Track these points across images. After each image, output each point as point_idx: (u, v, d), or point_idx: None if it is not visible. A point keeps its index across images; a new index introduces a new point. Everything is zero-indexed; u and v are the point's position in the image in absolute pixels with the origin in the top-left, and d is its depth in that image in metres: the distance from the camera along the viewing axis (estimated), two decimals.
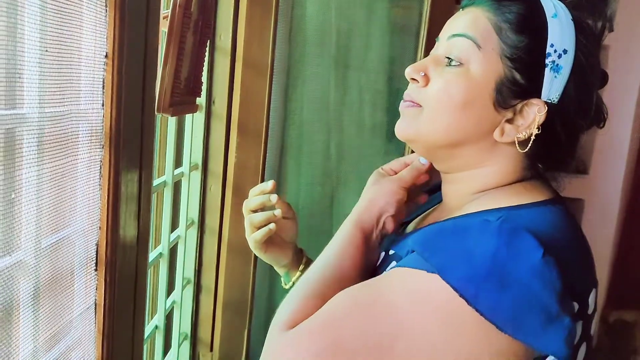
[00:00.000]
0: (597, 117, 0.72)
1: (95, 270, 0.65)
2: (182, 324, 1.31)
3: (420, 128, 0.69)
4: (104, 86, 0.62)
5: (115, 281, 0.67)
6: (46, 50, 0.51)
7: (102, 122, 0.63)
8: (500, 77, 0.65)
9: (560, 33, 0.64)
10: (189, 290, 1.32)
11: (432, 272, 0.57)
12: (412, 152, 0.78)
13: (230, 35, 1.26)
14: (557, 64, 0.64)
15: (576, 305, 0.60)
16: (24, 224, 0.54)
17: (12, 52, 0.48)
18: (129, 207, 0.70)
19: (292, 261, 0.91)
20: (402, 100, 0.72)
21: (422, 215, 0.83)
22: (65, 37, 0.55)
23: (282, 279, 0.94)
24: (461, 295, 0.55)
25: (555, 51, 0.64)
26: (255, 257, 1.40)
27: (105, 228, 0.65)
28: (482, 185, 0.70)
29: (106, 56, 0.61)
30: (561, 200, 0.71)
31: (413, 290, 0.58)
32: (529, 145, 0.66)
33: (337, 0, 1.40)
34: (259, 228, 0.85)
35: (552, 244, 0.57)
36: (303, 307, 0.63)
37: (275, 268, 0.94)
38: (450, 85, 0.66)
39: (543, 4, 0.66)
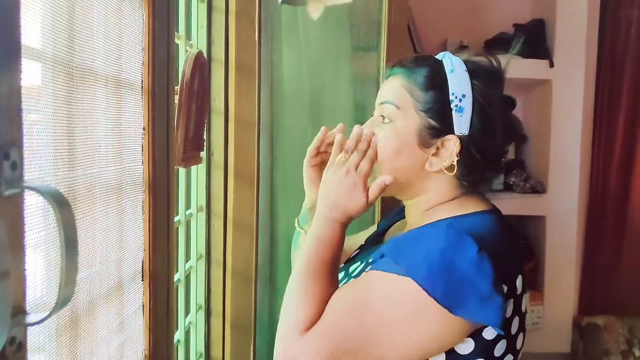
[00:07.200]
0: (510, 135, 0.89)
1: (142, 280, 0.90)
2: (197, 344, 1.54)
3: (375, 177, 0.88)
4: (142, 149, 0.89)
5: (156, 288, 0.92)
6: (112, 129, 0.78)
7: (142, 175, 0.89)
8: (419, 125, 0.85)
9: (458, 83, 0.83)
10: (201, 314, 1.55)
11: (403, 275, 0.73)
12: None
13: (223, 98, 1.54)
14: (460, 106, 0.83)
15: (505, 287, 0.77)
16: (98, 246, 0.79)
17: (91, 131, 0.75)
18: (162, 235, 0.96)
19: None
20: None
21: (393, 228, 1.04)
22: (120, 119, 0.83)
23: (298, 219, 1.09)
24: (424, 289, 0.72)
25: (456, 97, 0.83)
26: (256, 283, 1.64)
27: (148, 250, 0.90)
28: (430, 204, 0.90)
29: (144, 129, 0.88)
30: (496, 210, 0.90)
31: (390, 292, 0.75)
32: (455, 169, 0.84)
33: (308, 62, 1.69)
34: None
35: (485, 242, 0.74)
36: (312, 311, 0.79)
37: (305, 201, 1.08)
38: (384, 140, 0.86)
39: (443, 63, 0.86)
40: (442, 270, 0.72)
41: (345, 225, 0.86)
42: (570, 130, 2.61)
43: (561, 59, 2.55)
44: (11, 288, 0.41)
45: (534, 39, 2.60)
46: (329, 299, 0.80)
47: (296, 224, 1.08)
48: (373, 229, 1.13)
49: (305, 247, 0.86)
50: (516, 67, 2.44)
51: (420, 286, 0.72)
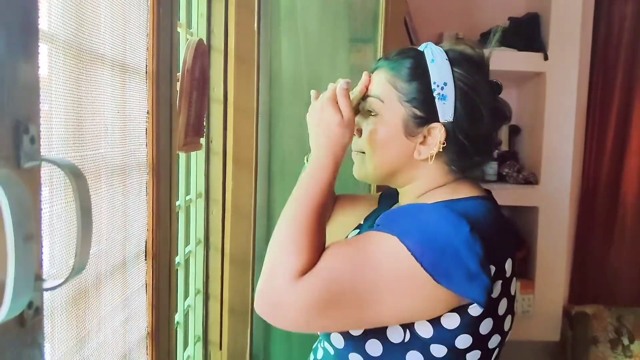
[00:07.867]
0: (497, 118, 0.92)
1: (145, 259, 0.93)
2: (195, 327, 1.57)
3: (367, 168, 0.93)
4: (146, 133, 0.92)
5: (158, 268, 0.95)
6: (118, 112, 0.81)
7: (146, 157, 0.92)
8: (404, 116, 0.88)
9: (439, 72, 0.86)
10: (200, 298, 1.59)
11: (393, 235, 0.77)
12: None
13: (222, 87, 1.57)
14: (442, 94, 0.86)
15: (493, 268, 0.80)
16: (105, 224, 0.82)
17: (98, 113, 0.78)
18: (165, 216, 0.98)
19: None
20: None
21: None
22: (126, 103, 0.85)
23: (307, 156, 1.06)
24: (412, 254, 0.76)
25: (438, 86, 0.86)
26: (254, 268, 1.68)
27: (151, 230, 0.93)
28: (422, 190, 0.92)
29: (148, 112, 0.91)
30: (489, 195, 0.93)
31: (383, 250, 0.78)
32: (433, 157, 0.87)
33: (306, 52, 1.72)
34: None
35: (477, 224, 0.78)
36: (307, 258, 0.79)
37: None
38: (372, 132, 0.91)
39: (425, 54, 0.89)
40: (434, 241, 0.76)
41: (336, 158, 0.88)
42: (563, 122, 2.65)
43: (555, 52, 2.59)
44: (35, 251, 0.44)
45: (529, 32, 2.63)
46: (320, 245, 0.82)
47: (305, 161, 1.07)
48: (371, 199, 1.15)
49: (295, 186, 0.89)
50: (511, 60, 2.50)
51: (409, 250, 0.76)
